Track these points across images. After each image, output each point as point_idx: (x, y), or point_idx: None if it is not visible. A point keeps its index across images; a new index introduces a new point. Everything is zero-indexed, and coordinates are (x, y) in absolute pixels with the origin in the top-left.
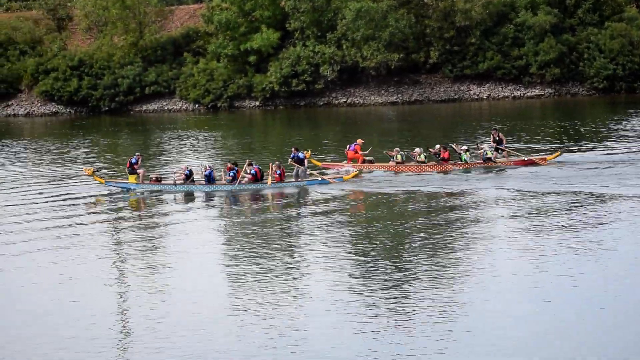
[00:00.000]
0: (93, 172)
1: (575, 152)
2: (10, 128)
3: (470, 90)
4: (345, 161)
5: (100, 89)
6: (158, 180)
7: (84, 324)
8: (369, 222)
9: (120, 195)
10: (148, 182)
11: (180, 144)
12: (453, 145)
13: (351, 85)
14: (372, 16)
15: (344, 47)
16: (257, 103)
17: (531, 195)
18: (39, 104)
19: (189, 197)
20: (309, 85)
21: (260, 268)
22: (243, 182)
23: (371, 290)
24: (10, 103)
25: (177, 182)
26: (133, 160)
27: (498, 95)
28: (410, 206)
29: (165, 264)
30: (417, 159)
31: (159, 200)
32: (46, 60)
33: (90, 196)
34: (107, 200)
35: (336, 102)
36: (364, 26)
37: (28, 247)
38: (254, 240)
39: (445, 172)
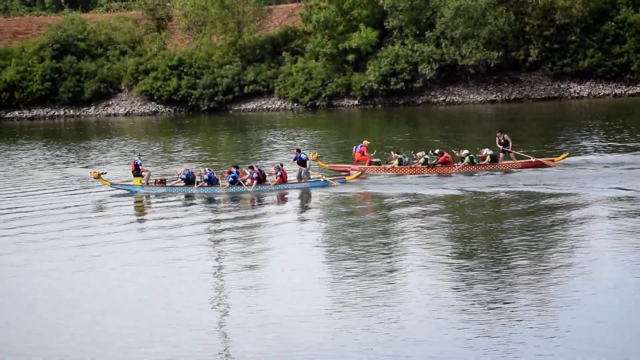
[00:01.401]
0: (99, 174)
1: None
2: (111, 127)
3: (571, 88)
4: (352, 163)
5: (199, 89)
6: (162, 182)
7: (187, 319)
8: (440, 221)
9: (226, 198)
10: (153, 184)
11: (281, 142)
12: (454, 152)
13: (450, 83)
14: (471, 14)
15: (443, 45)
16: (356, 102)
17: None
18: (139, 104)
19: (208, 199)
20: (407, 83)
21: (352, 267)
22: (245, 184)
23: (467, 289)
24: (110, 102)
25: (176, 184)
26: (137, 162)
27: (599, 93)
28: (468, 207)
29: (256, 263)
30: (419, 162)
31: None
32: (146, 60)
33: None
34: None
35: (435, 100)
36: (462, 24)
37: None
38: (333, 240)
39: (449, 175)
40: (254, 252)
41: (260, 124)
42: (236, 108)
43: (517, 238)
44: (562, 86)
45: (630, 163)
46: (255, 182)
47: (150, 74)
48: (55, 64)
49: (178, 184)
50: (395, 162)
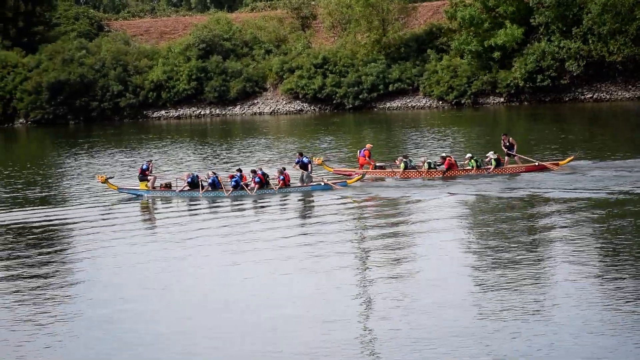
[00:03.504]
0: (106, 179)
1: None
2: (256, 126)
3: None
4: (357, 167)
5: (344, 87)
6: (168, 186)
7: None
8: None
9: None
10: (158, 188)
11: (426, 141)
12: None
13: (597, 80)
14: (618, 10)
15: (590, 41)
16: (502, 99)
17: None
18: (284, 102)
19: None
20: (554, 80)
21: (496, 259)
22: (248, 188)
23: (614, 286)
24: (255, 101)
25: (184, 189)
26: (144, 167)
27: None
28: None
29: (392, 258)
30: (423, 167)
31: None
32: (291, 58)
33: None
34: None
35: (582, 97)
36: (610, 20)
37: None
38: (459, 234)
39: (453, 178)
40: (387, 247)
41: (405, 122)
42: (381, 106)
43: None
44: None
45: None
46: (257, 185)
47: (295, 72)
48: (201, 64)
49: (184, 189)
50: (402, 165)
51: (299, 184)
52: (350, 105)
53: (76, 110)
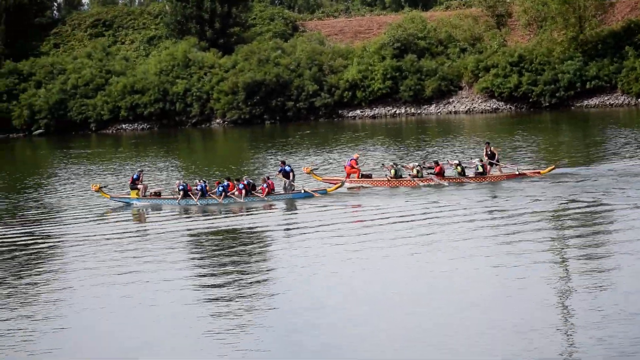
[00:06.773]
0: (99, 188)
1: None
2: (451, 125)
3: None
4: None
5: (540, 85)
6: (157, 194)
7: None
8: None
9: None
10: (148, 196)
11: (619, 141)
12: (447, 162)
13: None
14: None
15: None
16: None
17: None
18: (479, 101)
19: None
20: None
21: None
22: (234, 195)
23: None
24: (451, 100)
25: (179, 197)
26: (135, 177)
27: None
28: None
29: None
30: (411, 173)
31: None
32: (486, 56)
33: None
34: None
35: None
36: None
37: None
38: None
39: (440, 186)
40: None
41: (602, 120)
42: (578, 104)
43: None
44: None
45: None
46: (243, 192)
47: (490, 70)
48: (396, 63)
49: (176, 197)
50: (392, 172)
51: (282, 192)
52: (547, 104)
53: (272, 111)
